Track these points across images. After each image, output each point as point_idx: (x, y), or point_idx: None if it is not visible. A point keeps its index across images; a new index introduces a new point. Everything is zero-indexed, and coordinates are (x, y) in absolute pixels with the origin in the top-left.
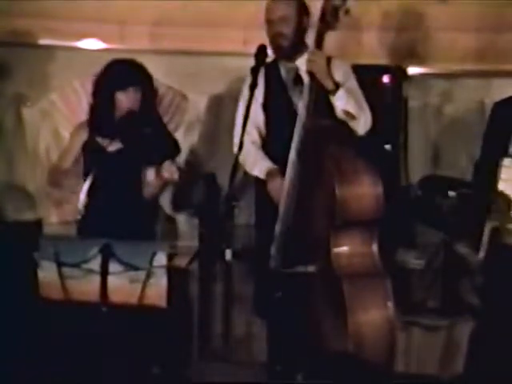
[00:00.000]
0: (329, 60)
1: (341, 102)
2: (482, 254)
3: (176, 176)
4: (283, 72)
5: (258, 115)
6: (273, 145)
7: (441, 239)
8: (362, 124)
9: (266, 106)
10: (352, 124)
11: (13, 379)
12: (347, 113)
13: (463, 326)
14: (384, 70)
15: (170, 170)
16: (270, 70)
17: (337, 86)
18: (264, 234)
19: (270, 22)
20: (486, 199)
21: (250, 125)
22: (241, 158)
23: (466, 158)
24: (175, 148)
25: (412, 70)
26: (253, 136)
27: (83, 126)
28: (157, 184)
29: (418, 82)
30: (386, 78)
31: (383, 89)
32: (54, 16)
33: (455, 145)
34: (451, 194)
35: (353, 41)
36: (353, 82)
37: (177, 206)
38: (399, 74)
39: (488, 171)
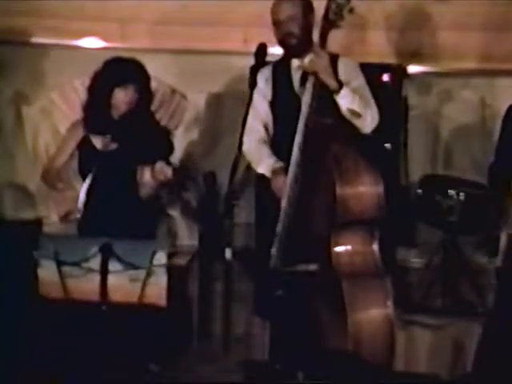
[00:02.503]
0: (335, 58)
1: (345, 101)
2: (499, 261)
3: (169, 176)
4: (291, 70)
5: (266, 113)
6: (280, 142)
7: (441, 238)
8: (369, 122)
9: (273, 104)
10: (357, 122)
11: (13, 379)
12: (352, 111)
13: (464, 324)
14: (384, 68)
15: (163, 171)
16: (278, 68)
17: (340, 84)
18: (264, 232)
19: (278, 23)
20: (501, 205)
21: (257, 122)
22: (247, 155)
23: (467, 157)
24: (169, 147)
25: (412, 69)
26: (260, 133)
27: (78, 125)
28: (152, 184)
29: (418, 80)
30: (386, 77)
31: (383, 87)
32: (55, 15)
33: (455, 144)
34: (451, 193)
35: (356, 40)
36: (360, 80)
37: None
38: (399, 73)
39: (503, 177)
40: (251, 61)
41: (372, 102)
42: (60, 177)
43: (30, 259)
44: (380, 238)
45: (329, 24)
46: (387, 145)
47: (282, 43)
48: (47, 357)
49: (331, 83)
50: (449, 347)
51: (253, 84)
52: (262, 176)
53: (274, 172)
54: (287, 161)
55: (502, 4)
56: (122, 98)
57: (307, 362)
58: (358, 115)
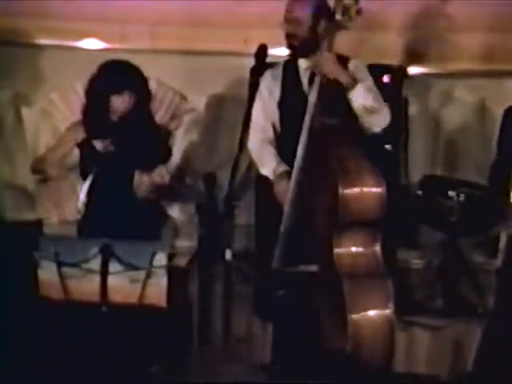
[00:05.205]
0: (346, 60)
1: (359, 97)
2: (499, 262)
3: (167, 180)
4: (300, 70)
5: (274, 112)
6: (285, 142)
7: (441, 239)
8: (383, 120)
9: (281, 104)
10: (371, 119)
11: (13, 379)
12: (368, 107)
13: (464, 325)
14: (385, 69)
15: (160, 175)
16: (288, 68)
17: (355, 81)
18: (264, 233)
19: (285, 21)
20: (500, 206)
21: (266, 121)
22: (252, 154)
23: (467, 158)
24: (167, 152)
25: (412, 70)
26: (268, 133)
27: (79, 125)
28: (149, 188)
29: (419, 81)
30: (386, 78)
31: (384, 88)
32: (55, 16)
33: (456, 145)
34: (451, 194)
35: (357, 41)
36: (370, 81)
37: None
38: (400, 74)
39: (502, 178)
40: (251, 62)
41: (383, 102)
42: (50, 167)
43: (30, 260)
44: (381, 239)
45: (335, 25)
46: (388, 146)
47: (286, 42)
48: (47, 357)
49: (345, 79)
50: (449, 348)
51: (253, 85)
52: (263, 177)
53: (279, 176)
54: (291, 161)
55: (504, 5)
56: (119, 104)
57: (308, 363)
58: (372, 112)
